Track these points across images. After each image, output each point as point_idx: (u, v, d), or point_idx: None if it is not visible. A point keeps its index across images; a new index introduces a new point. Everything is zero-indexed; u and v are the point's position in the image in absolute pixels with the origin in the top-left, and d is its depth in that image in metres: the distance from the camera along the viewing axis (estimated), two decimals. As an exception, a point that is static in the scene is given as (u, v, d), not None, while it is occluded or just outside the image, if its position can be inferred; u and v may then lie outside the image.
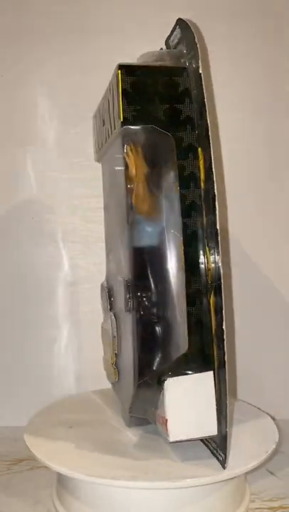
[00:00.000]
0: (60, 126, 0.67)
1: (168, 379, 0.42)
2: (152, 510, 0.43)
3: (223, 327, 0.40)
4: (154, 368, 0.43)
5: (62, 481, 0.47)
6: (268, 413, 0.54)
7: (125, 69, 0.43)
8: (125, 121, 0.43)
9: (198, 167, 0.43)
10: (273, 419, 0.53)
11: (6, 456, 0.58)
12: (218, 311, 0.40)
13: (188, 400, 0.42)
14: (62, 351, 0.68)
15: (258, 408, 0.56)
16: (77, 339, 0.67)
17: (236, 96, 0.68)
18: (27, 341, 0.68)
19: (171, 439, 0.42)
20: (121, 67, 0.43)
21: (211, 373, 0.42)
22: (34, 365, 0.67)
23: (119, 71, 0.43)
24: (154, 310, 0.43)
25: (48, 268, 0.68)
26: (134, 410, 0.47)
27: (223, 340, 0.40)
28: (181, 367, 0.43)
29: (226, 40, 0.67)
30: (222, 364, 0.40)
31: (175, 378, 0.42)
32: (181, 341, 0.43)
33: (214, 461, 0.43)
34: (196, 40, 0.43)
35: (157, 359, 0.43)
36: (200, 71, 0.42)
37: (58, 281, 0.68)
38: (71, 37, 0.66)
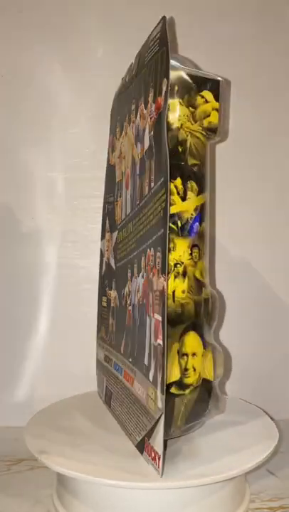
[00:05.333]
0: (61, 126, 0.67)
1: None
2: (152, 510, 0.43)
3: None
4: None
5: (62, 481, 0.47)
6: (267, 413, 0.54)
7: None
8: None
9: None
10: (273, 419, 0.53)
11: (5, 456, 0.58)
12: None
13: None
14: (63, 352, 0.68)
15: (258, 408, 0.56)
16: (78, 340, 0.67)
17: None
18: (27, 341, 0.68)
19: None
20: None
21: None
22: (35, 365, 0.67)
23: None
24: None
25: (49, 268, 0.68)
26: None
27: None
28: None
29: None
30: None
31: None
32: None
33: (214, 461, 0.43)
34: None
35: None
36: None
37: (58, 281, 0.68)
38: (73, 36, 0.66)
